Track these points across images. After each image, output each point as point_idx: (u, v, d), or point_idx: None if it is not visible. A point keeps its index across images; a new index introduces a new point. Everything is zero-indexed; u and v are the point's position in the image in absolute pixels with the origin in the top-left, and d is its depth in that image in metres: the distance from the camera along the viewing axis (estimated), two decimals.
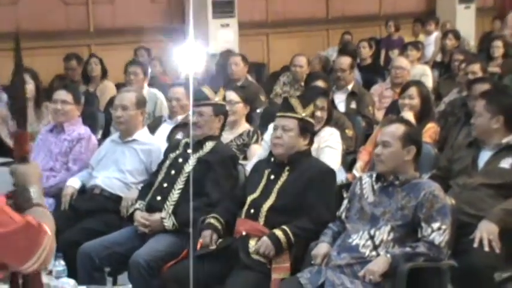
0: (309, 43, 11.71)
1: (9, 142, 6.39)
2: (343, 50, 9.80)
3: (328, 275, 3.68)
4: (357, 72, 8.66)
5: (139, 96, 5.23)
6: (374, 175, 3.94)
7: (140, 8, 10.40)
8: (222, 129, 4.87)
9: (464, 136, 5.03)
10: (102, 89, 8.29)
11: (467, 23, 12.83)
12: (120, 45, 9.76)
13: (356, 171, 5.37)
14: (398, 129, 3.91)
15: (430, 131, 5.45)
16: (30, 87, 6.22)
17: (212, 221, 4.25)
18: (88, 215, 4.84)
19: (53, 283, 3.71)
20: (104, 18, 10.06)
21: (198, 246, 4.19)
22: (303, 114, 4.22)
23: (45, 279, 3.79)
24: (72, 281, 3.81)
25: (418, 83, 5.96)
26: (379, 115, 6.95)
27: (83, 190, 5.12)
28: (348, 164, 5.61)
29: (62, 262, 3.92)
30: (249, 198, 4.20)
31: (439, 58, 10.58)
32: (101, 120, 6.81)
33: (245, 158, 5.41)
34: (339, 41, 11.61)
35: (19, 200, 2.32)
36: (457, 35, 10.24)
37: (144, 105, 5.20)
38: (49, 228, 2.23)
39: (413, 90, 5.61)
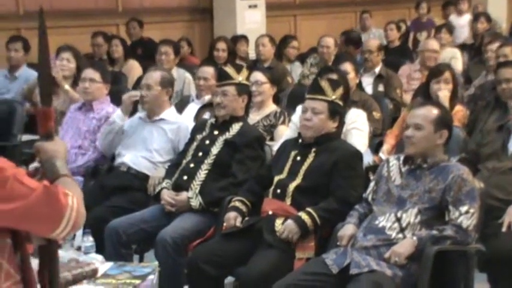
0: (337, 24, 11.69)
1: None
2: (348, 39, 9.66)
3: (353, 256, 3.70)
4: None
5: (165, 76, 5.26)
6: (401, 157, 3.95)
7: None
8: (246, 109, 4.91)
9: (494, 120, 5.01)
10: (128, 68, 8.38)
11: (498, 6, 12.75)
12: (149, 24, 9.81)
13: (382, 154, 5.38)
14: (431, 112, 3.90)
15: (459, 115, 5.44)
16: (71, 66, 6.30)
17: (237, 204, 4.30)
18: (115, 192, 4.91)
19: (82, 258, 3.77)
20: None
21: (223, 227, 4.25)
22: (333, 97, 4.24)
23: (74, 254, 3.89)
24: (100, 257, 3.87)
25: (450, 67, 5.93)
26: (407, 98, 6.96)
27: (110, 168, 5.20)
28: (375, 146, 5.62)
29: (91, 238, 4.00)
30: (276, 179, 4.24)
31: (469, 41, 10.52)
32: None
33: (272, 139, 5.44)
34: (358, 20, 11.55)
35: (46, 174, 2.34)
36: (488, 18, 10.17)
37: (170, 84, 5.24)
38: (76, 195, 2.23)
39: (448, 75, 5.58)
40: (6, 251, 2.19)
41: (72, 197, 2.19)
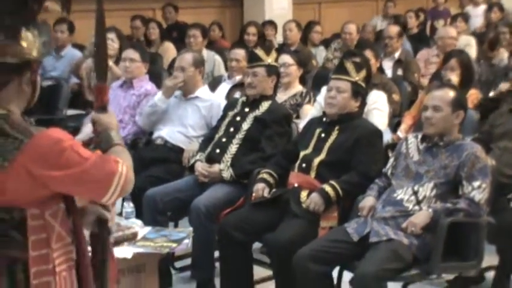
0: (358, 12, 11.64)
1: (88, 94, 6.58)
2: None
3: (373, 225, 3.73)
4: (407, 42, 8.62)
5: (197, 57, 5.29)
6: (419, 136, 3.97)
7: None
8: (275, 89, 4.93)
9: (507, 103, 5.00)
10: (163, 50, 8.43)
11: None
12: (183, 9, 9.81)
13: (400, 133, 5.39)
14: (448, 93, 3.90)
15: (473, 97, 5.42)
16: (114, 46, 6.37)
17: (265, 175, 4.31)
18: (153, 163, 4.95)
19: (123, 223, 3.82)
20: None
21: (252, 197, 4.28)
22: (356, 78, 4.25)
23: (116, 219, 3.94)
24: (139, 222, 3.93)
25: (459, 54, 5.89)
26: (424, 81, 6.94)
27: (148, 141, 5.26)
28: (393, 126, 5.64)
29: (131, 204, 4.05)
30: (302, 154, 4.26)
31: (481, 30, 10.43)
32: (164, 78, 6.91)
33: (297, 117, 5.46)
34: (383, 8, 11.48)
35: (102, 143, 2.39)
36: (501, 8, 10.08)
37: (201, 64, 5.26)
38: (126, 162, 2.26)
39: (454, 62, 5.54)
40: (59, 215, 2.22)
41: (122, 164, 2.22)
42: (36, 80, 2.29)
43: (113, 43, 6.40)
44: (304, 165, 4.21)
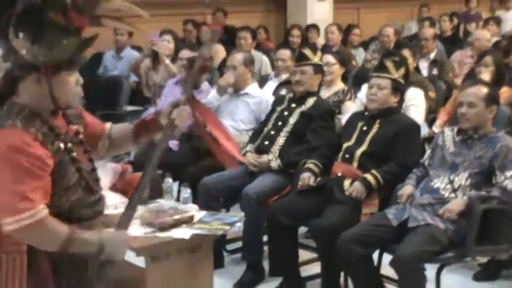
0: (395, 16, 11.59)
1: (146, 91, 6.70)
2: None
3: (411, 211, 3.77)
4: (438, 43, 8.58)
5: (247, 56, 5.36)
6: (455, 129, 3.99)
7: None
8: (319, 86, 4.98)
9: None
10: (214, 51, 8.50)
11: None
12: (232, 14, 9.89)
13: (435, 128, 5.40)
14: (481, 90, 3.91)
15: (505, 94, 5.39)
16: (170, 46, 6.47)
17: (311, 165, 4.35)
18: (207, 154, 5.01)
19: (180, 207, 3.87)
20: None
21: (298, 185, 4.33)
22: (396, 76, 4.28)
23: (174, 204, 4.03)
24: (195, 206, 3.94)
25: (493, 52, 5.88)
26: (458, 81, 6.91)
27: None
28: (429, 121, 5.64)
29: (188, 190, 4.12)
30: (345, 145, 4.30)
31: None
32: (215, 76, 7.02)
33: (339, 113, 5.50)
34: (418, 13, 11.43)
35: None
36: None
37: (251, 63, 5.33)
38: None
39: (488, 59, 5.54)
40: None
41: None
42: (51, 82, 2.25)
43: (168, 44, 6.50)
44: (347, 156, 4.25)
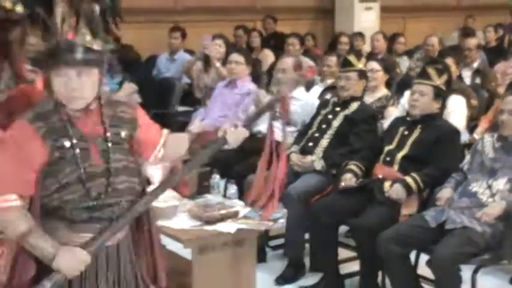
0: (440, 27, 11.47)
1: (197, 93, 6.79)
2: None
3: (450, 214, 3.75)
4: (482, 53, 8.48)
5: (296, 61, 5.41)
6: (495, 135, 3.96)
7: None
8: (364, 91, 4.99)
9: None
10: (263, 56, 8.57)
11: None
12: (281, 21, 9.94)
13: (476, 135, 5.34)
14: None
15: None
16: (221, 50, 6.55)
17: (352, 167, 4.35)
18: (252, 153, 5.07)
19: (227, 203, 3.95)
20: None
21: (340, 186, 4.34)
22: (438, 82, 4.27)
23: (221, 199, 4.09)
24: (241, 203, 4.01)
25: None
26: (501, 90, 6.82)
27: (250, 134, 5.38)
28: (470, 128, 5.59)
29: (235, 187, 4.19)
30: (386, 149, 4.30)
31: None
32: (263, 79, 7.08)
33: (382, 118, 5.48)
34: (463, 23, 11.30)
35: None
36: None
37: (300, 68, 5.38)
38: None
39: None
40: None
41: None
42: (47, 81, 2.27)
43: (220, 48, 6.58)
44: (388, 158, 4.25)
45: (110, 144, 2.32)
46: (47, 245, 2.24)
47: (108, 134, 2.33)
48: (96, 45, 2.27)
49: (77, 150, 2.26)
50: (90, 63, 2.24)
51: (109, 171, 2.30)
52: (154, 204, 3.60)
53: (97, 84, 2.29)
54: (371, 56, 7.53)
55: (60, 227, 2.30)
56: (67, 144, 2.26)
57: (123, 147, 2.37)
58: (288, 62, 5.33)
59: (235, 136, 2.63)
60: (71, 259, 2.25)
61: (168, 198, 3.74)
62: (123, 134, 2.37)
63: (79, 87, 2.23)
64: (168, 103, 7.02)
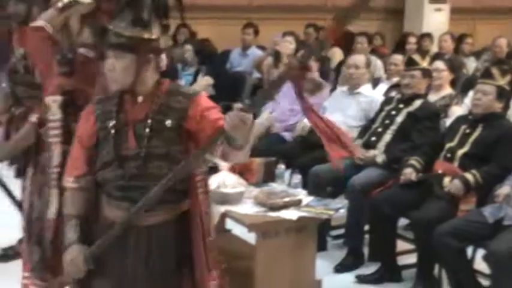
0: (509, 29, 11.20)
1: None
2: None
3: (507, 211, 3.71)
4: None
5: (367, 59, 5.46)
6: None
7: None
8: (428, 89, 4.96)
9: None
10: (332, 53, 8.58)
11: None
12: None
13: None
14: None
15: None
16: (291, 47, 6.62)
17: (413, 162, 4.34)
18: (317, 146, 5.10)
19: (291, 191, 4.01)
20: None
21: (401, 179, 4.34)
22: (501, 82, 4.21)
23: (285, 187, 4.15)
24: (304, 192, 4.08)
25: None
26: None
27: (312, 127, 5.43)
28: None
29: (299, 176, 4.24)
30: (447, 146, 4.27)
31: None
32: (331, 76, 7.11)
33: (445, 116, 5.44)
34: None
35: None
36: None
37: (369, 66, 5.41)
38: None
39: None
40: None
41: None
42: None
43: (290, 45, 6.64)
44: (448, 155, 4.23)
45: (147, 130, 2.34)
46: (68, 236, 2.42)
47: (149, 121, 2.34)
48: (128, 32, 2.30)
49: (113, 132, 2.36)
50: (120, 48, 2.30)
51: (140, 155, 2.34)
52: (222, 189, 3.76)
53: (132, 71, 2.31)
54: (438, 56, 7.45)
55: (103, 200, 2.44)
56: (109, 126, 2.38)
57: (167, 135, 2.35)
58: (360, 58, 5.38)
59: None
60: (69, 262, 2.40)
61: (235, 184, 3.83)
62: (167, 122, 2.35)
63: (111, 68, 2.32)
64: (239, 96, 7.13)
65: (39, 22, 2.90)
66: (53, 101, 2.91)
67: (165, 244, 2.40)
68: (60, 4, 2.91)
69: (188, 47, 7.33)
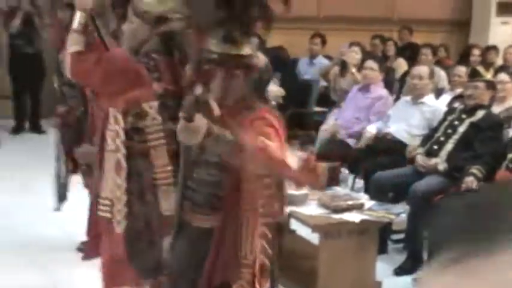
0: None
1: (333, 95, 6.89)
2: None
3: None
4: None
5: (432, 70, 5.45)
6: None
7: (434, 1, 10.44)
8: (492, 101, 4.92)
9: None
10: (397, 64, 8.54)
11: None
12: (416, 32, 9.84)
13: None
14: None
15: None
16: (357, 57, 6.64)
17: (475, 171, 4.32)
18: (381, 153, 5.15)
19: (354, 195, 4.06)
20: (405, 9, 10.20)
21: (462, 188, 4.31)
22: None
23: (348, 191, 4.20)
24: (366, 196, 4.13)
25: None
26: None
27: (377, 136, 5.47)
28: None
29: (362, 181, 4.29)
30: (510, 156, 4.24)
31: None
32: (395, 86, 7.10)
33: (509, 127, 5.37)
34: None
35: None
36: None
37: (433, 76, 5.39)
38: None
39: None
40: None
41: None
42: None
43: (356, 55, 6.68)
44: (511, 165, 4.19)
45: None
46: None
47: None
48: (218, 49, 2.50)
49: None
50: (211, 64, 2.52)
51: None
52: (288, 191, 3.84)
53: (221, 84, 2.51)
54: (502, 68, 7.34)
55: None
56: None
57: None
58: (424, 69, 5.38)
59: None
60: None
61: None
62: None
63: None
64: (306, 103, 7.21)
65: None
66: (150, 107, 2.99)
67: None
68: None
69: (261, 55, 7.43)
